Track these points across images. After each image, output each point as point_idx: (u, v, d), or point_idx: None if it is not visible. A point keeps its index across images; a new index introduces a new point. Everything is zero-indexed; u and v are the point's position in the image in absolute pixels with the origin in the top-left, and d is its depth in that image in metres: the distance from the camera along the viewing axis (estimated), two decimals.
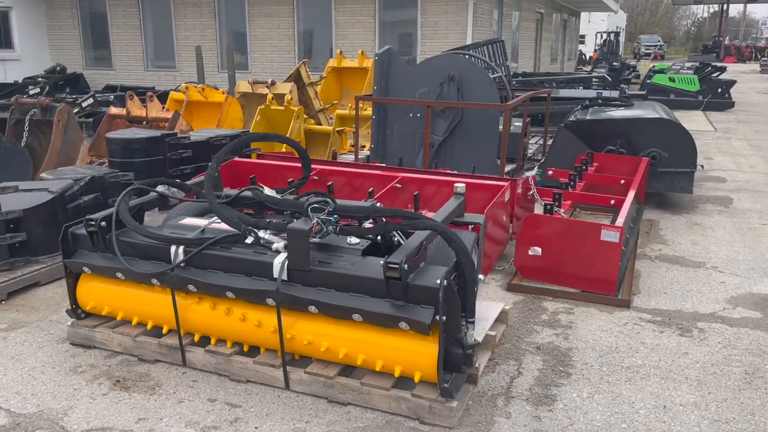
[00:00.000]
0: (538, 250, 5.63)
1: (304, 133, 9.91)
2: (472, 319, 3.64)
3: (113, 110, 10.53)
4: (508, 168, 9.20)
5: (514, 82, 14.91)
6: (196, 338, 4.24)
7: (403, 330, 3.57)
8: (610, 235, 5.36)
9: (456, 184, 4.66)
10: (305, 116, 10.12)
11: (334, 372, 3.87)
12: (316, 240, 4.02)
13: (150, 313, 4.29)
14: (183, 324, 4.22)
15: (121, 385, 4.03)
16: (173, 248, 4.09)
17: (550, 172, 7.57)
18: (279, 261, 3.85)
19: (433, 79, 8.02)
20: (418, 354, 3.64)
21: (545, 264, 5.63)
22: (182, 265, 4.09)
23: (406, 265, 3.49)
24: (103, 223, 4.23)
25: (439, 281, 3.45)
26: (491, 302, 4.99)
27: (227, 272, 4.01)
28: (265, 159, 7.27)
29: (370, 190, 5.99)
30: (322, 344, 3.86)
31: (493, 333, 4.49)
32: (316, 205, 3.88)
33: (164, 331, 4.26)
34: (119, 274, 4.20)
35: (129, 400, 3.87)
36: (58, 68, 19.27)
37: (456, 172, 7.14)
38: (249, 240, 4.03)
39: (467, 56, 8.65)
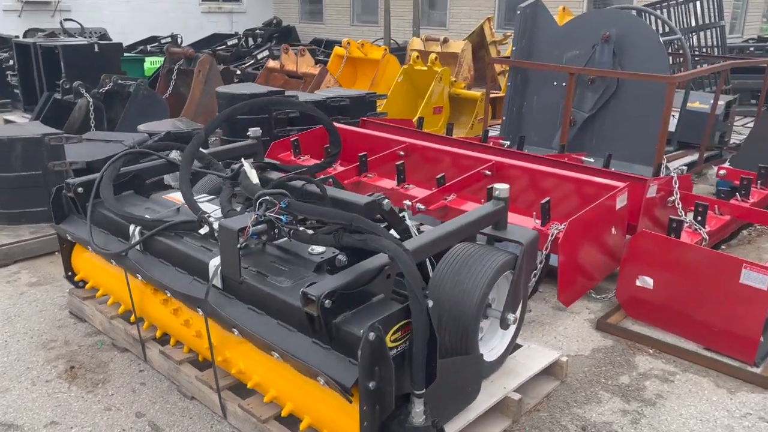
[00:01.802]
0: (649, 282, 4.07)
1: (449, 98, 8.81)
2: (419, 392, 2.50)
3: (270, 64, 10.43)
4: (687, 159, 7.19)
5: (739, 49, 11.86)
6: (158, 333, 3.66)
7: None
8: (755, 279, 3.63)
9: (495, 186, 3.38)
10: (453, 79, 8.98)
11: (268, 414, 3.01)
12: (274, 243, 3.13)
13: (120, 295, 3.80)
14: (143, 313, 3.66)
15: (70, 373, 3.61)
16: (131, 228, 3.50)
17: (722, 171, 5.59)
18: (215, 264, 3.05)
19: (586, 40, 6.38)
20: (342, 423, 2.63)
21: (658, 301, 4.05)
22: (139, 249, 3.49)
23: (327, 301, 2.47)
24: (80, 190, 3.79)
25: (362, 330, 2.37)
26: (543, 348, 3.66)
27: (174, 265, 3.33)
28: (368, 128, 6.42)
29: (440, 176, 4.85)
30: (252, 377, 3.01)
31: (516, 396, 3.23)
32: (267, 198, 2.97)
33: (132, 318, 3.74)
34: (89, 248, 3.75)
35: (61, 395, 3.43)
36: (275, 21, 20.22)
37: (587, 159, 5.59)
38: (203, 230, 3.28)
39: (635, 11, 6.75)
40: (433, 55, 8.74)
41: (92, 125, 7.56)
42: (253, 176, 3.45)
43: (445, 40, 11.28)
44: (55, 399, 3.39)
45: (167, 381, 3.54)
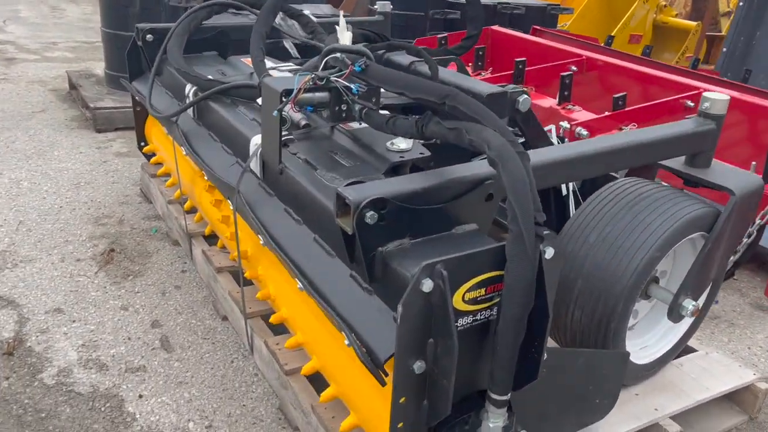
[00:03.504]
0: None
1: (652, 27, 7.09)
2: (499, 397, 1.43)
3: None
4: None
5: None
6: (207, 229, 2.89)
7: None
8: None
9: (707, 94, 2.07)
10: (663, 3, 7.20)
11: (296, 364, 2.12)
12: (347, 129, 2.17)
13: (176, 174, 3.07)
14: (193, 200, 2.92)
15: (106, 257, 2.99)
16: (186, 88, 2.71)
17: None
18: (255, 142, 2.15)
19: None
20: (376, 409, 1.66)
21: None
22: (193, 116, 2.70)
23: (371, 213, 1.46)
24: (149, 38, 3.06)
25: (413, 271, 1.35)
26: (730, 360, 2.38)
27: (223, 141, 2.49)
28: (542, 38, 5.12)
29: (619, 95, 3.53)
30: (280, 308, 2.13)
31: (674, 429, 2.04)
32: (338, 56, 1.98)
33: (186, 206, 3.01)
34: (149, 109, 3.02)
35: (83, 279, 2.82)
36: None
37: None
38: (260, 101, 2.38)
39: None
40: None
41: None
42: (345, 37, 2.46)
43: None
44: (75, 282, 2.78)
45: (206, 290, 2.80)
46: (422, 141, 2.07)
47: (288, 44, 3.29)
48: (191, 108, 2.65)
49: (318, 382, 1.99)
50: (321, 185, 1.85)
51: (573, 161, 1.90)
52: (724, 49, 5.42)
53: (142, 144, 3.54)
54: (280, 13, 3.31)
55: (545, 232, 1.40)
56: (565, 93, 3.82)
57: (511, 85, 2.30)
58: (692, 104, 3.56)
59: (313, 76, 1.90)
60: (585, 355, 1.82)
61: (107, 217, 3.35)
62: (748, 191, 2.03)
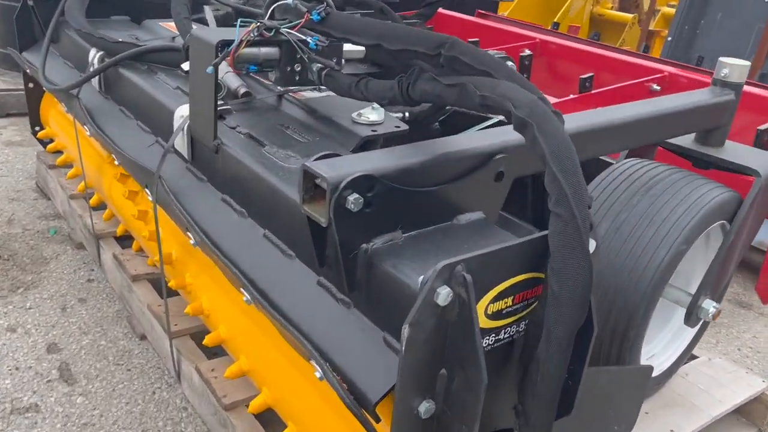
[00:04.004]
0: None
1: (590, 19, 6.98)
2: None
3: None
4: None
5: None
6: (120, 228, 2.37)
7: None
8: None
9: (724, 59, 1.78)
10: None
11: (237, 397, 1.66)
12: (299, 96, 1.74)
13: (79, 163, 2.52)
14: (101, 193, 2.40)
15: None
16: (90, 54, 2.18)
17: None
18: (181, 114, 1.68)
19: None
20: None
21: None
22: (99, 88, 2.19)
23: (354, 196, 1.05)
24: None
25: (422, 279, 0.94)
26: (736, 367, 2.11)
27: (138, 117, 1.99)
28: (487, 20, 4.81)
29: (585, 76, 3.27)
30: (217, 326, 1.67)
31: None
32: (287, 2, 1.54)
33: (92, 201, 2.47)
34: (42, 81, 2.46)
35: None
36: None
37: None
38: (187, 66, 1.90)
39: None
40: None
41: None
42: None
43: None
44: None
45: (119, 303, 2.28)
46: (398, 113, 1.67)
47: (208, 15, 2.80)
48: (96, 77, 2.14)
49: (271, 421, 1.55)
50: (272, 165, 1.41)
51: (581, 135, 1.54)
52: (669, 39, 5.32)
53: (37, 129, 2.96)
54: None
55: (592, 221, 1.04)
56: (524, 75, 3.50)
57: (494, 50, 1.94)
58: (658, 87, 3.33)
59: (258, 24, 1.46)
60: (609, 374, 1.46)
61: None
62: None
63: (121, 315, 2.23)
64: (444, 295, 0.92)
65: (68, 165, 2.74)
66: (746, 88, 3.11)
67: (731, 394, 1.97)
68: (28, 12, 2.66)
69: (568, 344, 1.00)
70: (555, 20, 6.13)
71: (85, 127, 2.08)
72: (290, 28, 1.50)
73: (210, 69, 1.40)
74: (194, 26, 2.16)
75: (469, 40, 3.80)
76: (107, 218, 2.44)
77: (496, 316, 1.05)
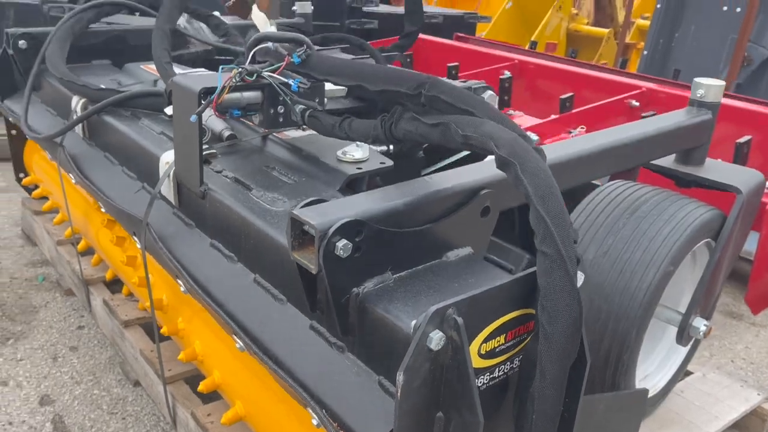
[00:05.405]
0: None
1: (567, 35, 7.08)
2: None
3: None
4: None
5: None
6: (109, 273, 2.36)
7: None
8: None
9: (700, 80, 1.81)
10: (575, 11, 7.23)
11: None
12: (283, 138, 1.75)
13: (65, 209, 2.52)
14: (88, 239, 2.39)
15: None
16: (73, 102, 2.19)
17: None
18: (166, 160, 1.69)
19: None
20: None
21: None
22: (82, 135, 2.19)
23: (343, 242, 1.05)
24: (23, 44, 2.53)
25: (414, 323, 0.95)
26: (731, 381, 2.12)
27: (123, 163, 2.00)
28: (466, 42, 4.87)
29: (565, 96, 3.31)
30: (212, 371, 1.65)
31: None
32: (269, 46, 1.56)
33: (80, 246, 2.46)
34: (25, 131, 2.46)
35: None
36: None
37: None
38: (170, 110, 1.90)
39: None
40: None
41: None
42: (265, 23, 2.05)
43: None
44: None
45: (111, 349, 2.26)
46: (381, 148, 1.69)
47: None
48: (80, 125, 2.14)
49: None
50: (259, 209, 1.41)
51: (557, 167, 1.56)
52: (645, 52, 5.41)
53: (21, 175, 2.95)
54: (185, 15, 2.85)
55: (579, 256, 1.05)
56: (505, 98, 3.56)
57: (473, 81, 1.96)
58: (637, 104, 3.38)
59: (240, 70, 1.48)
60: (604, 401, 1.46)
61: None
62: (753, 189, 1.77)
63: (114, 361, 2.21)
64: (436, 339, 0.93)
65: (54, 210, 2.73)
66: (723, 100, 3.19)
67: (728, 409, 1.98)
68: (8, 60, 2.67)
69: (562, 379, 1.01)
70: (533, 38, 6.22)
71: (70, 174, 2.08)
72: (272, 71, 1.51)
73: (194, 118, 1.41)
74: (176, 70, 2.18)
75: (449, 64, 3.85)
76: (96, 263, 2.42)
77: (490, 354, 1.06)
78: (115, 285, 2.35)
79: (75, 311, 2.48)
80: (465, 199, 1.25)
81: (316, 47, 1.57)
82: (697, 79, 1.82)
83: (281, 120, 1.59)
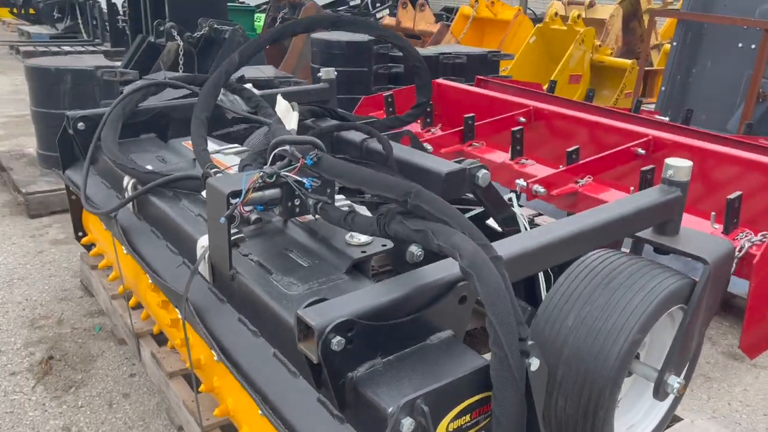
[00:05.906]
0: None
1: (590, 66, 7.26)
2: None
3: (386, 21, 9.36)
4: None
5: None
6: (156, 327, 2.68)
7: None
8: None
9: (670, 161, 2.01)
10: (598, 43, 7.40)
11: None
12: (302, 222, 2.03)
13: (119, 269, 2.85)
14: (138, 297, 2.71)
15: (44, 366, 2.74)
16: (125, 181, 2.53)
17: None
18: (203, 244, 1.98)
19: None
20: None
21: None
22: (133, 210, 2.52)
23: (338, 339, 1.31)
24: (81, 126, 2.88)
25: (391, 410, 1.20)
26: (717, 426, 2.29)
27: (167, 238, 2.31)
28: (487, 88, 5.13)
29: (572, 149, 3.51)
30: (242, 426, 1.93)
31: None
32: (286, 149, 1.85)
33: (131, 302, 2.79)
34: (84, 204, 2.82)
35: (20, 396, 2.55)
36: None
37: None
38: (204, 194, 2.22)
39: None
40: (575, 12, 7.21)
41: (180, 71, 6.82)
42: (291, 119, 2.34)
43: (591, 4, 9.59)
44: (10, 402, 2.51)
45: (158, 395, 2.57)
46: None
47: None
48: (131, 202, 2.47)
49: None
50: (277, 294, 1.69)
51: (554, 245, 1.81)
52: (663, 88, 5.55)
53: (80, 234, 3.31)
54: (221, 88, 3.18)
55: (529, 344, 1.29)
56: (517, 148, 3.79)
57: (469, 161, 2.21)
58: (643, 152, 3.57)
59: (261, 173, 1.76)
60: None
61: (45, 318, 3.09)
62: (720, 258, 1.97)
63: (161, 407, 2.51)
64: (407, 425, 1.18)
65: (109, 267, 3.07)
66: (718, 148, 3.36)
67: None
68: (68, 137, 3.03)
69: None
70: (553, 77, 6.41)
71: (122, 245, 2.40)
72: (288, 171, 1.80)
73: (222, 220, 1.70)
74: (211, 145, 2.50)
75: (466, 115, 4.10)
76: (145, 318, 2.74)
77: (458, 431, 1.30)
78: (162, 337, 2.66)
79: (127, 359, 2.80)
80: (444, 290, 1.50)
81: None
82: (668, 161, 2.04)
83: (297, 210, 1.87)
